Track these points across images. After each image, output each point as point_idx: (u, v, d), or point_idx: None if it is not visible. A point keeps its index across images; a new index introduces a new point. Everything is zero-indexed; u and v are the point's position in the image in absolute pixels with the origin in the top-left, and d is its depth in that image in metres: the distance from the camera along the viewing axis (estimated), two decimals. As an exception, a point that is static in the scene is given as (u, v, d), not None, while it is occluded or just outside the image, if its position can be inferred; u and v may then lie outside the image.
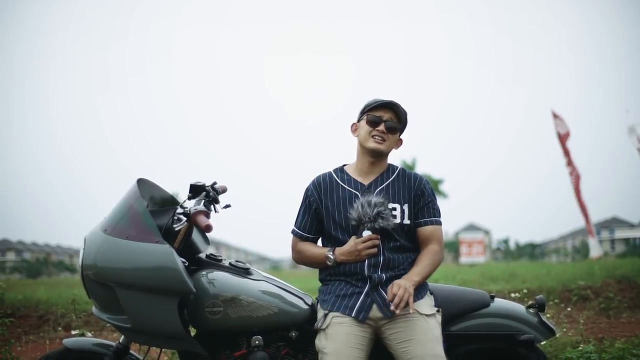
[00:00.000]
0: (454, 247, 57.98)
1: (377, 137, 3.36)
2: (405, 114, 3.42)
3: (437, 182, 53.90)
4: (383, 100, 3.39)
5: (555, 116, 24.31)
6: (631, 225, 69.35)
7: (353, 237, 3.28)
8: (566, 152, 24.13)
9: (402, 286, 3.08)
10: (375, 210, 3.22)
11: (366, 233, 3.24)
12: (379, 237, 3.25)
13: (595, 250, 24.46)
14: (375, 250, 3.24)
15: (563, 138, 24.24)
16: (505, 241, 71.72)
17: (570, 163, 24.06)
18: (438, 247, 3.39)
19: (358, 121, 3.47)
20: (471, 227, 76.91)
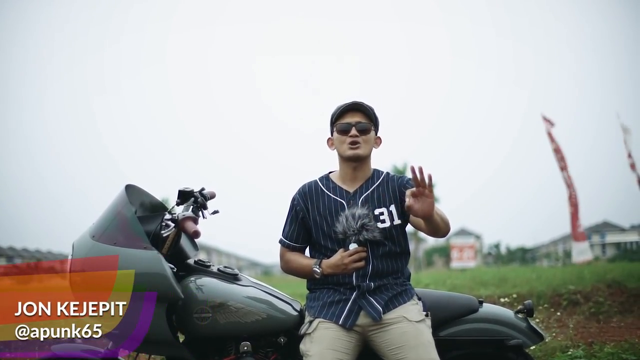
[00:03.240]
0: (445, 252, 58.02)
1: (352, 144, 3.34)
2: (372, 110, 3.39)
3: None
4: (346, 104, 3.37)
5: (545, 120, 24.43)
6: (622, 230, 69.47)
7: (340, 250, 3.27)
8: (553, 140, 24.24)
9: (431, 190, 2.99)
10: (359, 223, 3.22)
11: (353, 246, 3.24)
12: (365, 249, 3.25)
13: (583, 254, 24.27)
14: (362, 263, 3.24)
15: (551, 136, 24.41)
16: (497, 246, 71.90)
17: (553, 141, 24.15)
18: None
19: (332, 134, 3.46)
20: (462, 232, 76.95)
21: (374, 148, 3.43)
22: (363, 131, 3.35)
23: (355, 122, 3.35)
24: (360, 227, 3.22)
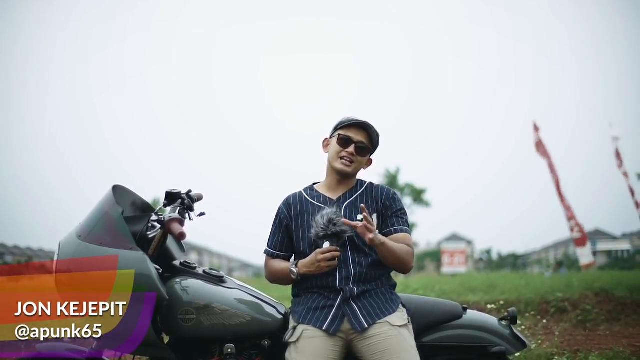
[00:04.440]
0: (436, 256, 57.96)
1: (345, 159, 3.39)
2: (377, 135, 3.43)
3: (420, 192, 53.98)
4: (357, 120, 3.40)
5: (536, 128, 24.49)
6: (613, 238, 69.56)
7: (317, 249, 3.29)
8: (548, 157, 24.29)
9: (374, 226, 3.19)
10: (326, 219, 3.22)
11: (326, 244, 3.24)
12: (338, 249, 3.26)
13: (586, 257, 24.27)
14: (335, 262, 3.25)
15: (540, 146, 24.44)
16: (488, 251, 71.79)
17: (551, 166, 24.20)
18: (410, 249, 3.39)
19: (330, 137, 3.49)
20: (454, 237, 76.92)
21: (362, 169, 3.49)
22: (360, 152, 3.40)
23: (357, 140, 3.39)
24: (328, 222, 3.22)
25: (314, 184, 3.57)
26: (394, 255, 3.29)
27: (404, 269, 3.38)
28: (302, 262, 3.32)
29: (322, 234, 3.23)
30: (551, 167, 24.31)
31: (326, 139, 3.52)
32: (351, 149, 3.38)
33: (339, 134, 3.42)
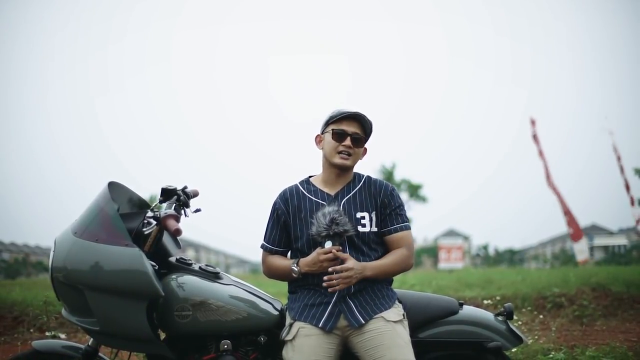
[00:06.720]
0: (433, 252, 57.98)
1: (343, 153, 3.36)
2: (370, 124, 3.41)
3: (416, 187, 54.01)
4: (348, 112, 3.36)
5: (532, 123, 24.55)
6: (610, 233, 69.58)
7: (318, 248, 3.27)
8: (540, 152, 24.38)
9: (350, 271, 3.19)
10: (328, 218, 3.22)
11: (328, 244, 3.23)
12: (340, 248, 3.25)
13: (582, 253, 24.27)
14: (338, 262, 3.23)
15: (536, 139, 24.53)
16: (485, 247, 71.84)
17: (541, 154, 24.28)
18: (407, 252, 3.38)
19: (322, 133, 3.45)
20: (451, 233, 77.08)
21: (359, 160, 3.46)
22: (356, 143, 3.37)
23: (352, 132, 3.36)
24: (330, 222, 3.21)
25: (310, 177, 3.55)
26: (387, 274, 3.36)
27: (402, 272, 3.45)
28: (303, 260, 3.31)
29: (324, 233, 3.22)
30: (540, 154, 24.33)
31: (318, 135, 3.48)
32: (347, 141, 3.35)
33: (332, 129, 3.39)
